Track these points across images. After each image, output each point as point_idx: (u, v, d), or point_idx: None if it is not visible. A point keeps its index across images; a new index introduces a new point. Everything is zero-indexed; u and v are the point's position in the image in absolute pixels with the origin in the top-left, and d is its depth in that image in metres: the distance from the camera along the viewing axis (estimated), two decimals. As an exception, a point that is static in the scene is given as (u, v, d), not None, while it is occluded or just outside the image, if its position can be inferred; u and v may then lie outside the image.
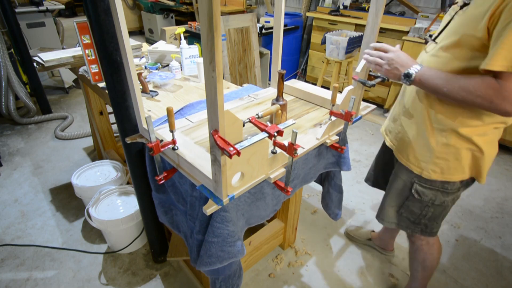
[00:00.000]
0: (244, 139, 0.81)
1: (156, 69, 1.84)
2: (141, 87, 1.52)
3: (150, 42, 5.98)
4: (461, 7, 0.94)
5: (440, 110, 1.03)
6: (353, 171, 2.56)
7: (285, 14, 3.26)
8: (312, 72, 4.26)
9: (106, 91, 1.26)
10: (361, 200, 2.26)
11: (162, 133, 1.12)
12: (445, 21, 1.04)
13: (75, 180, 1.89)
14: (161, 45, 2.03)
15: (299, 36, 4.37)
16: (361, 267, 1.76)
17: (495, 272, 1.76)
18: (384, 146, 1.44)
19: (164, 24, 5.91)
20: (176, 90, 1.62)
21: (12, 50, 3.14)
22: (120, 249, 1.78)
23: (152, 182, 1.25)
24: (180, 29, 1.97)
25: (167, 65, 1.91)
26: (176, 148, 1.01)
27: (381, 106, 3.57)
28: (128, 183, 1.96)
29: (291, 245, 1.87)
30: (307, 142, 1.10)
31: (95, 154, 2.68)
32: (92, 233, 1.94)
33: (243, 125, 0.84)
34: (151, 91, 1.55)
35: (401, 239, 1.89)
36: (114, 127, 1.76)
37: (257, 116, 0.99)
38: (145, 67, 1.85)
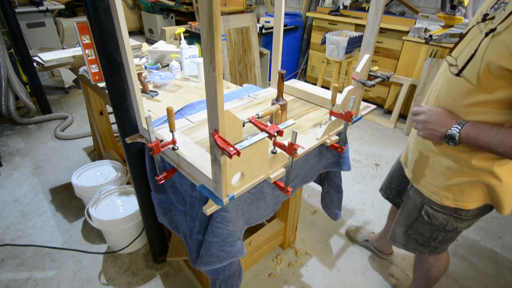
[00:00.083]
0: (244, 139, 0.81)
1: (156, 69, 1.84)
2: (141, 87, 1.52)
3: (150, 42, 5.99)
4: (486, 34, 0.80)
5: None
6: (353, 171, 2.56)
7: (285, 14, 3.26)
8: (312, 72, 4.26)
9: (106, 91, 1.26)
10: (361, 200, 2.26)
11: (162, 133, 1.12)
12: (467, 41, 0.90)
13: (75, 180, 1.89)
14: (161, 45, 2.03)
15: (299, 36, 4.37)
16: (361, 267, 1.76)
17: (495, 272, 1.76)
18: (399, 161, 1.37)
19: (164, 24, 5.91)
20: (176, 90, 1.62)
21: (12, 50, 3.14)
22: (120, 249, 1.78)
23: (152, 182, 1.25)
24: (180, 29, 1.97)
25: (167, 65, 1.91)
26: (176, 148, 1.01)
27: (381, 106, 3.56)
28: (128, 183, 1.96)
29: (291, 245, 1.87)
30: (307, 142, 1.10)
31: (95, 154, 2.68)
32: (92, 233, 1.94)
33: (243, 125, 0.84)
34: (151, 91, 1.55)
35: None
36: (114, 127, 1.77)
37: (257, 116, 0.99)
38: (145, 67, 1.85)
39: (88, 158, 2.67)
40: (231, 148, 0.71)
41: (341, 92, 1.23)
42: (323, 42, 3.13)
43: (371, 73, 1.17)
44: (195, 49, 1.77)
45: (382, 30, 3.28)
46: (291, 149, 0.88)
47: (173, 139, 1.00)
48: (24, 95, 3.09)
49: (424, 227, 1.14)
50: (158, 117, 1.31)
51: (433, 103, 1.00)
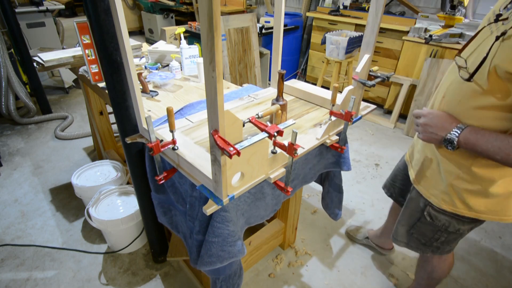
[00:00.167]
0: (244, 139, 0.81)
1: (156, 69, 1.84)
2: (141, 87, 1.52)
3: (150, 42, 5.99)
4: (497, 37, 0.78)
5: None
6: (353, 171, 2.56)
7: (285, 14, 3.26)
8: (312, 72, 4.26)
9: (106, 91, 1.26)
10: (361, 200, 2.26)
11: (162, 133, 1.12)
12: (477, 42, 0.88)
13: (75, 180, 1.89)
14: (161, 45, 2.03)
15: (299, 36, 4.37)
16: (361, 267, 1.76)
17: (495, 272, 1.76)
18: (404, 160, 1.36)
19: (164, 24, 5.91)
20: (176, 90, 1.62)
21: (12, 50, 3.14)
22: (120, 249, 1.78)
23: (152, 182, 1.25)
24: (180, 29, 1.97)
25: (167, 65, 1.91)
26: (176, 148, 1.01)
27: (381, 106, 3.56)
28: (128, 183, 1.96)
29: (291, 245, 1.87)
30: (307, 142, 1.10)
31: (95, 154, 2.68)
32: (92, 233, 1.94)
33: (243, 125, 0.84)
34: (151, 91, 1.55)
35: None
36: (114, 127, 1.77)
37: (257, 116, 0.99)
38: (145, 67, 1.85)
39: (88, 158, 2.67)
40: (231, 148, 0.71)
41: (341, 92, 1.23)
42: (323, 42, 3.13)
43: (371, 73, 1.17)
44: (195, 49, 1.77)
45: (382, 30, 3.28)
46: (291, 149, 0.88)
47: (173, 139, 1.00)
48: (24, 95, 3.09)
49: (426, 227, 1.14)
50: (158, 117, 1.31)
51: (439, 104, 0.99)
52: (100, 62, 1.14)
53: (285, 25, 3.95)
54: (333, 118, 1.14)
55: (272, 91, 1.53)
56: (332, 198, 1.49)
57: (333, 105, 1.12)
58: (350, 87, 1.15)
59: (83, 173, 1.97)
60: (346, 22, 3.64)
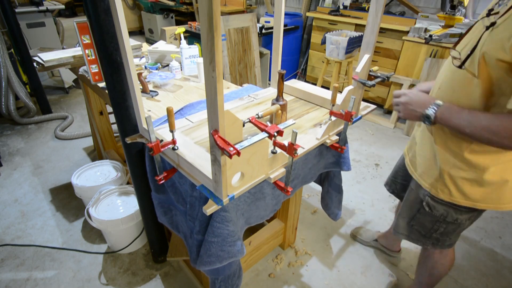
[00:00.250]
0: (244, 139, 0.81)
1: (156, 69, 1.84)
2: (141, 87, 1.52)
3: (150, 42, 5.99)
4: (487, 28, 0.83)
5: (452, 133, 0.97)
6: (353, 171, 2.56)
7: (285, 14, 3.26)
8: (312, 72, 4.26)
9: (106, 91, 1.26)
10: (361, 200, 2.26)
11: (162, 133, 1.12)
12: (470, 35, 0.93)
13: (75, 180, 1.89)
14: (161, 45, 2.03)
15: (299, 36, 4.37)
16: (361, 267, 1.76)
17: (495, 272, 1.76)
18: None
19: (164, 24, 5.91)
20: (176, 90, 1.62)
21: (12, 50, 3.14)
22: (120, 249, 1.78)
23: (152, 182, 1.25)
24: (180, 29, 1.97)
25: (167, 65, 1.91)
26: (176, 148, 1.01)
27: (381, 106, 3.56)
28: (128, 183, 1.96)
29: (291, 245, 1.87)
30: (307, 142, 1.10)
31: (95, 154, 2.68)
32: (92, 233, 1.94)
33: (243, 125, 0.84)
34: (151, 91, 1.55)
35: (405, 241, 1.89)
36: (114, 127, 1.77)
37: (257, 116, 0.99)
38: (145, 67, 1.85)
39: (88, 158, 2.67)
40: (231, 148, 0.71)
41: (341, 92, 1.23)
42: (323, 42, 3.13)
43: (371, 73, 1.18)
44: (195, 49, 1.77)
45: (382, 30, 3.28)
46: (291, 149, 0.88)
47: (173, 139, 1.00)
48: (24, 95, 3.09)
49: (425, 218, 1.17)
50: (158, 117, 1.31)
51: (435, 95, 1.02)
52: (100, 62, 1.14)
53: (285, 25, 3.95)
54: (333, 118, 1.14)
55: (272, 91, 1.53)
56: (332, 198, 1.49)
57: (333, 105, 1.12)
58: (350, 87, 1.15)
59: (83, 173, 1.97)
60: (346, 22, 3.64)
